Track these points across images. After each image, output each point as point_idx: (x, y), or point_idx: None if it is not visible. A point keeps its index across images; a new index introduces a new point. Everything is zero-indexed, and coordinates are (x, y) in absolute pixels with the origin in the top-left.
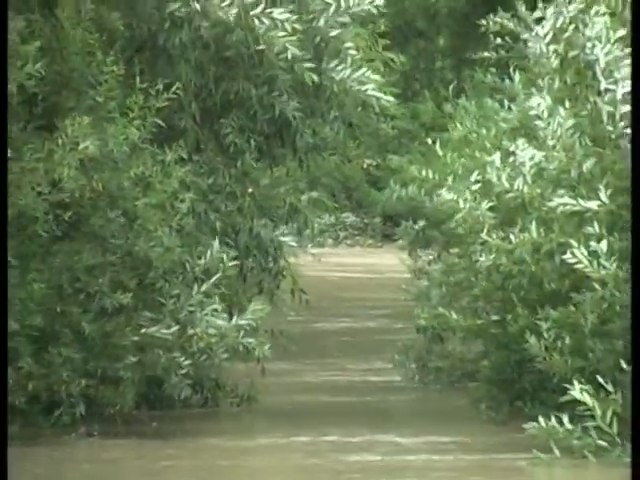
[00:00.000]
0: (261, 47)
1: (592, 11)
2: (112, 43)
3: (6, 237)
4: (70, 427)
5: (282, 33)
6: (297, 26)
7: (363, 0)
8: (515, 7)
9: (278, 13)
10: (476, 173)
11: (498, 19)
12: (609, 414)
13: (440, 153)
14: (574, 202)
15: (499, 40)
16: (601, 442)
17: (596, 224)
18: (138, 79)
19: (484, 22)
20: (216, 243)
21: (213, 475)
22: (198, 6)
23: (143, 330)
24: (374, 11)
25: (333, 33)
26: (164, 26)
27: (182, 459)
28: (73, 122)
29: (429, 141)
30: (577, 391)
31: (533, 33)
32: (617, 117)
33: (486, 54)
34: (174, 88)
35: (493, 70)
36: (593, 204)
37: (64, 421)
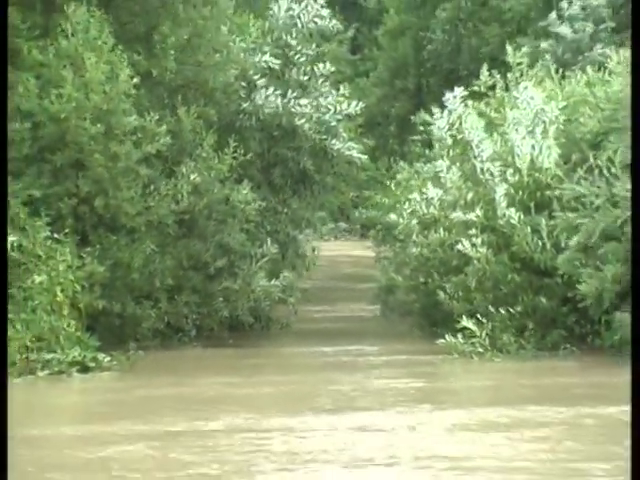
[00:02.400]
0: (298, 123)
1: (467, 111)
2: (208, 127)
3: (6, 237)
4: (187, 343)
5: (307, 112)
6: (315, 115)
7: (349, 107)
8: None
9: (303, 101)
10: (408, 204)
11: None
12: (484, 334)
13: (393, 189)
14: (463, 215)
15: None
16: (480, 349)
17: (474, 229)
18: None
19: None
20: (269, 241)
21: (267, 367)
22: (260, 101)
23: (223, 285)
24: (355, 112)
25: (333, 123)
26: (239, 117)
27: (248, 359)
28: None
29: (387, 183)
30: (466, 322)
31: (436, 126)
32: (485, 170)
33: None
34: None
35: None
36: (472, 216)
37: (184, 339)
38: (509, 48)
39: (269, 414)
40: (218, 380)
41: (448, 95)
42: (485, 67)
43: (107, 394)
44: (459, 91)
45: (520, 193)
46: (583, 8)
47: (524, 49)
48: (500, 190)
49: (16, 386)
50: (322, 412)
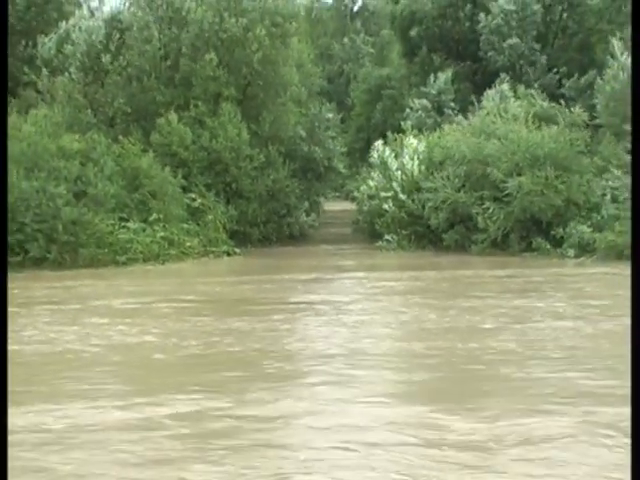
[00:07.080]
0: (315, 156)
1: (385, 149)
2: (280, 156)
3: (6, 235)
4: (272, 245)
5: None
6: (323, 153)
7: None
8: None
9: (318, 149)
10: (363, 187)
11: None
12: (395, 242)
13: (357, 181)
14: (384, 194)
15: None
16: (393, 247)
17: (389, 199)
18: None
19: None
20: (305, 202)
21: (303, 255)
22: (301, 148)
23: (287, 220)
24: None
25: (332, 154)
26: (293, 153)
27: (296, 252)
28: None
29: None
30: (387, 236)
31: (373, 155)
32: (393, 175)
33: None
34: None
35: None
36: (388, 194)
37: (271, 243)
38: (402, 123)
39: (296, 273)
40: (285, 261)
41: (376, 143)
42: (381, 139)
43: (244, 266)
44: (379, 142)
45: (407, 186)
46: (428, 101)
47: (409, 122)
48: (398, 184)
49: (199, 262)
50: (310, 273)
